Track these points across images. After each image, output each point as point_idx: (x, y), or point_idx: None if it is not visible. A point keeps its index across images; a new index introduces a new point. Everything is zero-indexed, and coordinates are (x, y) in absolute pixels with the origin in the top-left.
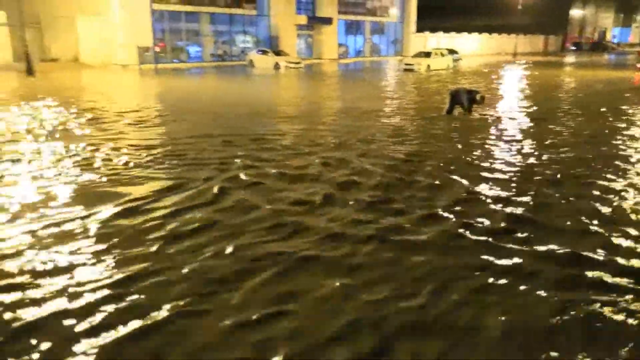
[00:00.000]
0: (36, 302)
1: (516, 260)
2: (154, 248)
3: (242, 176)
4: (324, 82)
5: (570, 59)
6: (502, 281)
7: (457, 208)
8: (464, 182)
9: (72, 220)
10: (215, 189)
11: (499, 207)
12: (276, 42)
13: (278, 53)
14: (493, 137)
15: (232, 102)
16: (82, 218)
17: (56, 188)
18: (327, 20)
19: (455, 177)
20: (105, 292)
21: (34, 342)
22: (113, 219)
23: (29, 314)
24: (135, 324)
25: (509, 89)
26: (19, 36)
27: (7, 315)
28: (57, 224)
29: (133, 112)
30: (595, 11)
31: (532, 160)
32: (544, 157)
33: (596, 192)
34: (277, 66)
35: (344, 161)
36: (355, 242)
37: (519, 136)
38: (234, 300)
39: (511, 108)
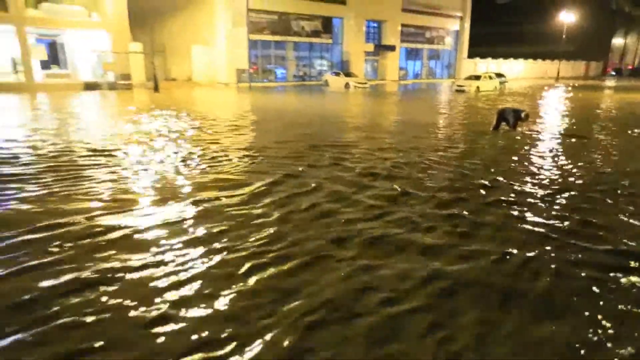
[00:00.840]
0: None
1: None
2: (277, 217)
3: (329, 172)
4: (386, 99)
5: (610, 83)
6: None
7: (503, 198)
8: (505, 181)
9: (209, 200)
10: (313, 183)
11: (538, 204)
12: (347, 65)
13: (348, 75)
14: (533, 149)
15: (311, 114)
16: (215, 199)
17: (177, 175)
18: (391, 48)
19: (500, 178)
20: (262, 241)
21: None
22: (241, 200)
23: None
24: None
25: (551, 108)
26: (150, 61)
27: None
28: (196, 203)
29: (232, 120)
30: (636, 39)
31: (567, 168)
32: (580, 164)
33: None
34: (347, 86)
35: (408, 164)
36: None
37: (556, 148)
38: (348, 251)
39: (552, 125)
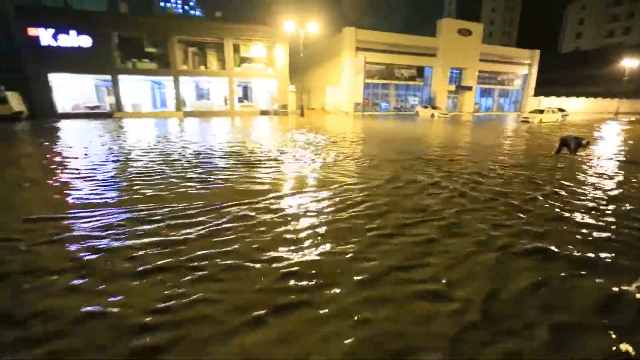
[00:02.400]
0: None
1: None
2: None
3: (419, 176)
4: (462, 126)
5: None
6: None
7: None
8: (564, 192)
9: (342, 185)
10: (410, 177)
11: (593, 212)
12: (433, 100)
13: (434, 107)
14: (590, 171)
15: (404, 135)
16: (350, 189)
17: (314, 169)
18: (468, 88)
19: (557, 189)
20: (362, 212)
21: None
22: (366, 189)
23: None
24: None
25: (609, 138)
26: (299, 97)
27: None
28: (332, 188)
29: (351, 136)
30: None
31: (621, 187)
32: (633, 183)
33: None
34: (432, 116)
35: (474, 173)
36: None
37: (612, 170)
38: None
39: (608, 151)
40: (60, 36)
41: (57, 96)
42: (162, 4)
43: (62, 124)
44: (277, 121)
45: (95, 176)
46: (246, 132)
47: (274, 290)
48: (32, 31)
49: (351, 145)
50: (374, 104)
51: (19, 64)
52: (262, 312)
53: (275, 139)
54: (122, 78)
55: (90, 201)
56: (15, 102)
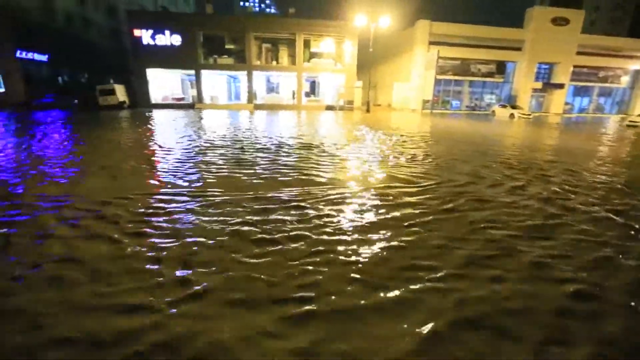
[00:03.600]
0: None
1: None
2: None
3: (483, 171)
4: (546, 129)
5: None
6: None
7: None
8: None
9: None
10: (481, 175)
11: None
12: (514, 99)
13: (514, 107)
14: None
15: (474, 134)
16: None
17: (381, 169)
18: (559, 86)
19: None
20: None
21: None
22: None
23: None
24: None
25: None
26: (366, 92)
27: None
28: (389, 186)
29: (418, 133)
30: None
31: None
32: None
33: None
34: (512, 116)
35: (565, 178)
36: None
37: None
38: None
39: None
40: (157, 36)
41: (152, 88)
42: (241, 3)
43: (154, 112)
44: (343, 116)
45: (180, 159)
46: (312, 126)
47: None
48: (137, 32)
49: (420, 144)
50: (444, 102)
51: (125, 61)
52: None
53: (341, 133)
54: (204, 73)
55: (176, 182)
56: (121, 93)
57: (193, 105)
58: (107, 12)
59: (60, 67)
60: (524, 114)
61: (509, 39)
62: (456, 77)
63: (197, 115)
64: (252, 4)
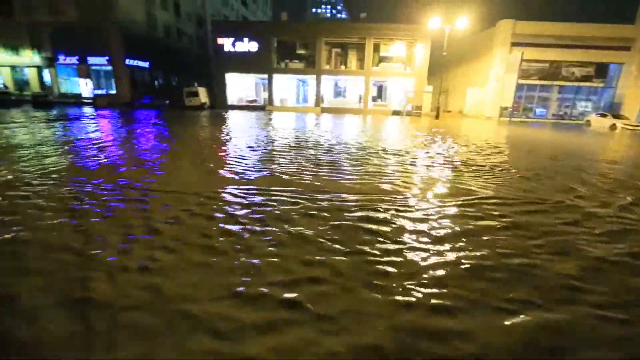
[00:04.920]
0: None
1: None
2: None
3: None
4: None
5: None
6: None
7: None
8: None
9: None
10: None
11: None
12: (617, 107)
13: (617, 116)
14: None
15: (561, 147)
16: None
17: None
18: None
19: None
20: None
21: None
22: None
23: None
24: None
25: None
26: (436, 98)
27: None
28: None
29: (490, 144)
30: None
31: None
32: None
33: None
34: (613, 127)
35: None
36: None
37: None
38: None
39: None
40: (237, 43)
41: (229, 91)
42: (314, 10)
43: (230, 113)
44: (409, 122)
45: (251, 157)
46: (380, 131)
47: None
48: (220, 40)
49: (494, 154)
50: (526, 109)
51: (208, 66)
52: None
53: (410, 140)
54: (275, 76)
55: (246, 177)
56: (203, 95)
57: (264, 107)
58: (196, 23)
59: (157, 72)
60: (630, 125)
61: (615, 37)
62: (543, 82)
63: (268, 116)
64: (324, 11)
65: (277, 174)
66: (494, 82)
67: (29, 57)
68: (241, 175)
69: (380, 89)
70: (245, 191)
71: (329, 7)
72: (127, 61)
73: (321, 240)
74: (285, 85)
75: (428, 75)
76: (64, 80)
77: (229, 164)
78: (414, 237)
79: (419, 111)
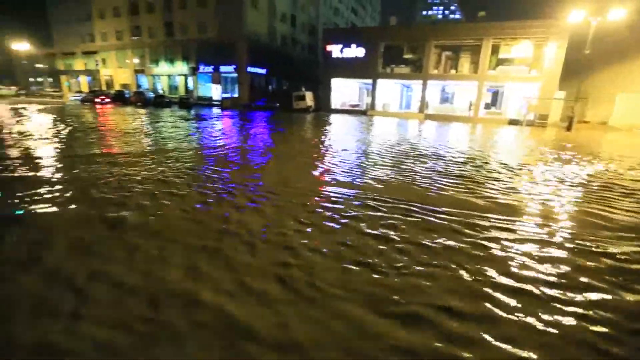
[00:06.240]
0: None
1: None
2: None
3: None
4: None
5: None
6: None
7: None
8: None
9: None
10: None
11: None
12: None
13: None
14: None
15: None
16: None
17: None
18: None
19: None
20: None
21: None
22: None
23: None
24: None
25: None
26: (569, 106)
27: None
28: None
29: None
30: None
31: None
32: None
33: None
34: None
35: None
36: None
37: None
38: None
39: None
40: (345, 49)
41: (333, 95)
42: (424, 12)
43: (333, 116)
44: (531, 134)
45: (352, 162)
46: (489, 143)
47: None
48: (329, 47)
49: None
50: None
51: (315, 71)
52: None
53: (526, 156)
54: (379, 82)
55: (345, 180)
56: (309, 99)
57: (365, 112)
58: (308, 32)
59: (271, 78)
60: None
61: None
62: None
63: (370, 121)
64: (435, 12)
65: (398, 182)
66: None
67: (180, 68)
68: (335, 179)
69: (495, 95)
70: (341, 195)
71: (441, 8)
72: (249, 69)
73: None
74: (388, 90)
75: (561, 78)
76: (201, 86)
77: (330, 165)
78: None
79: (543, 121)
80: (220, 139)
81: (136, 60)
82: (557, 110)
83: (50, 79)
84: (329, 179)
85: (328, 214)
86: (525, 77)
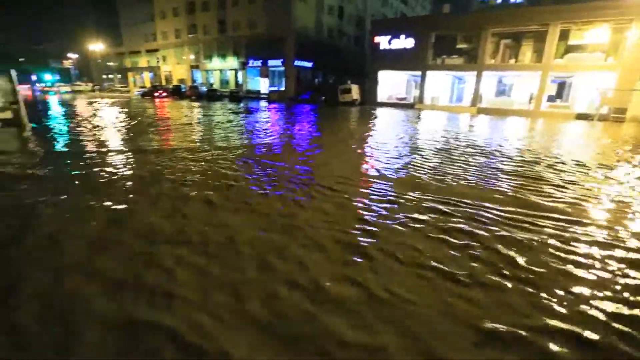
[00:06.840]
0: None
1: None
2: None
3: None
4: None
5: None
6: None
7: None
8: None
9: None
10: None
11: None
12: None
13: None
14: None
15: None
16: None
17: None
18: None
19: None
20: None
21: None
22: None
23: None
24: None
25: None
26: None
27: None
28: None
29: None
30: None
31: None
32: None
33: None
34: None
35: None
36: None
37: None
38: None
39: None
40: (393, 41)
41: (379, 88)
42: None
43: (379, 110)
44: (603, 130)
45: (398, 158)
46: (560, 140)
47: None
48: (377, 39)
49: None
50: None
51: (362, 63)
52: None
53: (585, 149)
54: (429, 73)
55: (384, 174)
56: (355, 92)
57: (413, 105)
58: (355, 24)
59: (317, 71)
60: None
61: None
62: None
63: (418, 115)
64: None
65: (453, 182)
66: None
67: (230, 63)
68: (383, 173)
69: (561, 86)
70: (380, 193)
71: None
72: (296, 62)
73: None
74: (438, 82)
75: None
76: (250, 80)
77: (367, 161)
78: None
79: (620, 115)
80: (269, 133)
81: (192, 57)
82: (637, 103)
83: (119, 76)
84: (385, 175)
85: (385, 213)
86: (599, 65)
